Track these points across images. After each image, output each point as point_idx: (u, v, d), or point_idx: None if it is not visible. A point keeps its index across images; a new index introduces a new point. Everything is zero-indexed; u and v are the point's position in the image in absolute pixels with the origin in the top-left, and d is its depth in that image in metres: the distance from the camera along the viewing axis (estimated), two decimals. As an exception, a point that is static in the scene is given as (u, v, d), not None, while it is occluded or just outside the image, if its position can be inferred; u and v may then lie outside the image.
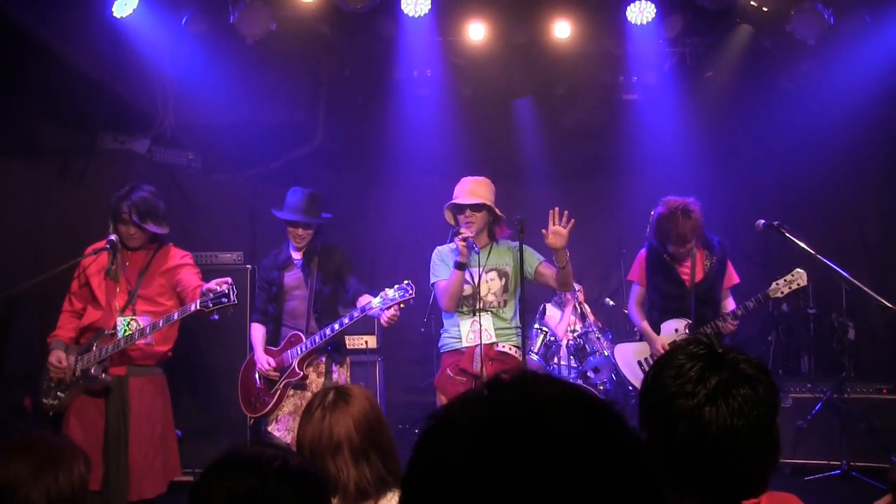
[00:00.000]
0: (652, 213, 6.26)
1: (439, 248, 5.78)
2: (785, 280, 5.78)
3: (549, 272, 5.56)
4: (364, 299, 5.58)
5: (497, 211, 5.59)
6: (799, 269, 5.76)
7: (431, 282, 5.72)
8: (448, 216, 5.69)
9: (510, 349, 5.57)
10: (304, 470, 1.90)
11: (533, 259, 5.60)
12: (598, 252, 9.52)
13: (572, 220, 5.32)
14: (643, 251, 6.29)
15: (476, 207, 5.51)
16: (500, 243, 5.70)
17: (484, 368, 5.41)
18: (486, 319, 5.53)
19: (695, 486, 1.84)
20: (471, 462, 1.03)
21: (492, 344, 5.50)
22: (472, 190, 5.55)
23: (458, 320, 5.60)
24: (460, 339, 5.57)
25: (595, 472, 1.01)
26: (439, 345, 5.79)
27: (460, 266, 5.47)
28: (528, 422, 1.04)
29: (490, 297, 5.57)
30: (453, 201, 5.56)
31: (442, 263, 5.68)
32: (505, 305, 5.62)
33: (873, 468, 6.75)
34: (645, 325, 6.17)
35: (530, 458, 1.01)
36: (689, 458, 1.83)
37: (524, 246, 5.50)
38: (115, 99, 7.26)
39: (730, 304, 6.16)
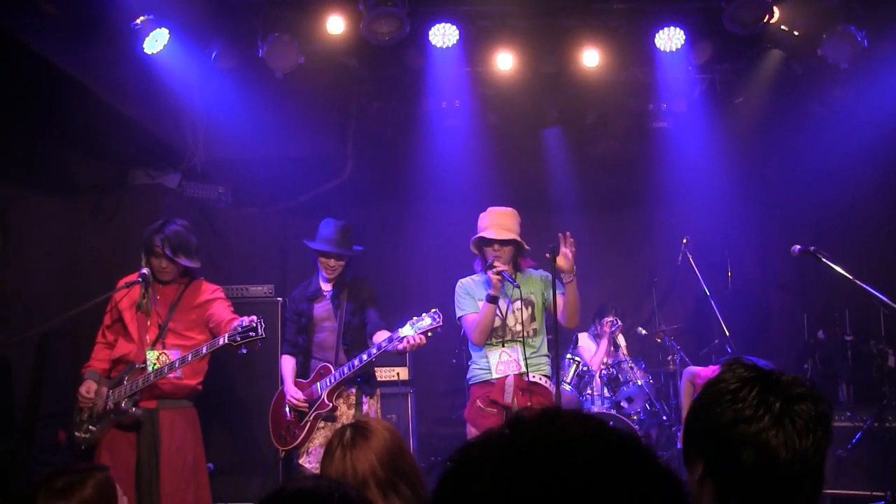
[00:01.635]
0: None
1: (462, 280, 5.74)
2: None
3: (558, 303, 5.49)
4: (381, 335, 5.55)
5: (524, 245, 5.55)
6: None
7: (458, 315, 5.64)
8: (473, 247, 5.64)
9: (541, 379, 5.52)
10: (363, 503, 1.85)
11: (551, 291, 5.55)
12: (629, 281, 9.47)
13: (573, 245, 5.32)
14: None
15: (504, 241, 5.48)
16: (524, 273, 5.65)
17: (515, 399, 5.36)
18: (516, 350, 5.48)
19: None
20: None
21: (522, 374, 5.44)
22: (501, 223, 5.51)
23: (487, 351, 5.54)
24: (490, 370, 5.50)
25: None
26: (468, 377, 5.72)
27: (492, 299, 5.42)
28: (550, 464, 1.00)
29: (518, 328, 5.51)
30: (482, 235, 5.52)
31: (467, 296, 5.63)
32: (534, 335, 5.57)
33: (919, 499, 6.58)
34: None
35: (554, 501, 0.97)
36: (756, 483, 1.77)
37: (549, 275, 5.51)
38: (146, 134, 7.33)
39: None
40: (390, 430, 2.93)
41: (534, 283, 5.63)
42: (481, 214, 5.61)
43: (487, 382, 5.50)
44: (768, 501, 1.78)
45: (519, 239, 5.51)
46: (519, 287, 5.46)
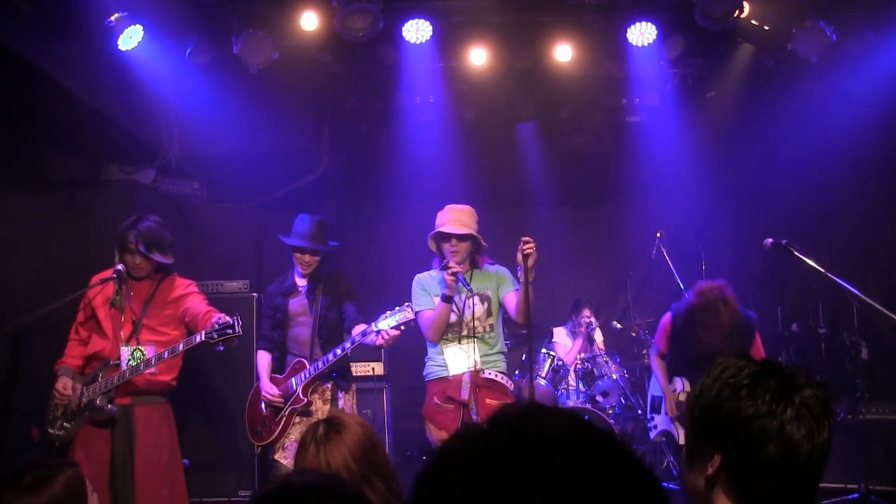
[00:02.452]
0: (687, 294, 6.25)
1: (419, 276, 5.75)
2: None
3: (511, 302, 5.51)
4: (359, 328, 5.54)
5: (481, 241, 5.57)
6: None
7: (414, 311, 5.48)
8: (431, 244, 5.65)
9: (496, 375, 5.53)
10: (359, 497, 1.86)
11: (508, 285, 5.58)
12: (604, 275, 9.51)
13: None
14: (668, 320, 6.29)
15: (462, 237, 5.49)
16: (482, 269, 5.67)
17: (472, 396, 5.36)
18: (472, 346, 5.49)
19: None
20: (471, 500, 1.00)
21: (478, 371, 5.45)
22: (459, 219, 5.52)
23: (443, 347, 5.55)
24: (446, 366, 5.51)
25: None
26: (424, 373, 5.70)
27: (447, 299, 5.43)
28: (529, 460, 1.02)
29: (475, 323, 5.53)
30: (440, 230, 5.53)
31: (423, 292, 5.64)
32: (490, 330, 5.58)
33: (892, 491, 6.63)
34: (665, 382, 6.33)
35: (532, 497, 0.98)
36: (780, 476, 1.81)
37: (504, 269, 5.57)
38: (120, 130, 7.29)
39: None
40: (363, 425, 2.94)
41: (489, 279, 5.64)
42: (439, 212, 5.63)
43: (444, 379, 5.51)
44: (791, 491, 1.82)
45: (476, 234, 5.54)
46: (471, 290, 5.49)
